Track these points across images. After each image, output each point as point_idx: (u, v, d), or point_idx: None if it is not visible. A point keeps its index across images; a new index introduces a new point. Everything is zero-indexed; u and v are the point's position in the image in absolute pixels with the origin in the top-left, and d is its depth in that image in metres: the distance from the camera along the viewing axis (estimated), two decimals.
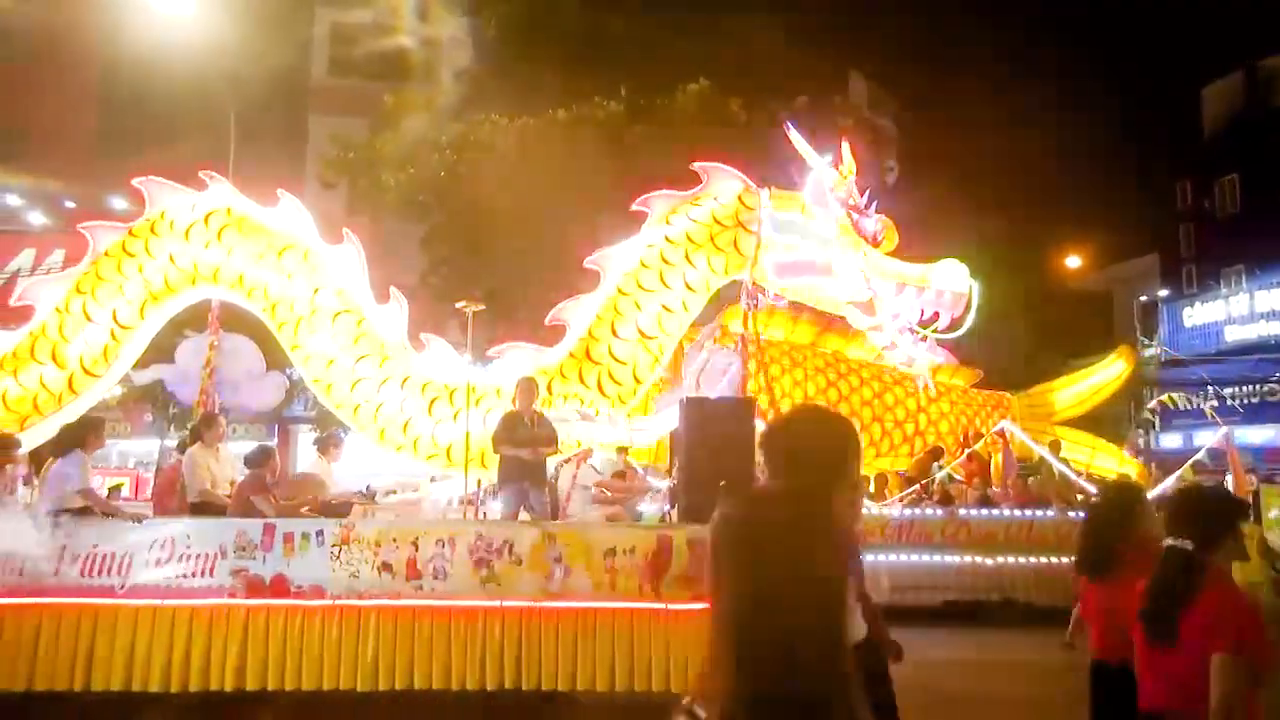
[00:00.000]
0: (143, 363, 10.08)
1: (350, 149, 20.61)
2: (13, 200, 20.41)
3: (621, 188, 12.72)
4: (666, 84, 19.69)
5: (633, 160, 17.42)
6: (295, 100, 25.31)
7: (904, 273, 10.26)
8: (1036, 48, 40.61)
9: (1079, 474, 11.81)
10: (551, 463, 8.68)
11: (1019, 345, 29.57)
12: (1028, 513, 10.78)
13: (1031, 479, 11.75)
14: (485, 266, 19.28)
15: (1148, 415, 14.54)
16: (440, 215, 20.15)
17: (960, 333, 10.63)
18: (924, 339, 10.53)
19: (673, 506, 7.97)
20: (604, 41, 19.66)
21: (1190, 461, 12.38)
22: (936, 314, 10.29)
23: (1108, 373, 14.31)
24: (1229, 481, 11.99)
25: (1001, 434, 12.11)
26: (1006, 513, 10.81)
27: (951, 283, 10.23)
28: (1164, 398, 14.15)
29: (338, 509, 7.67)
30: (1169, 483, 12.16)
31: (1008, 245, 27.13)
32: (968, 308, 10.31)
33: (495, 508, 8.77)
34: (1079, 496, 11.01)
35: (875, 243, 10.28)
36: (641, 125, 19.19)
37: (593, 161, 17.38)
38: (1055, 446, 12.56)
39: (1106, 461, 13.54)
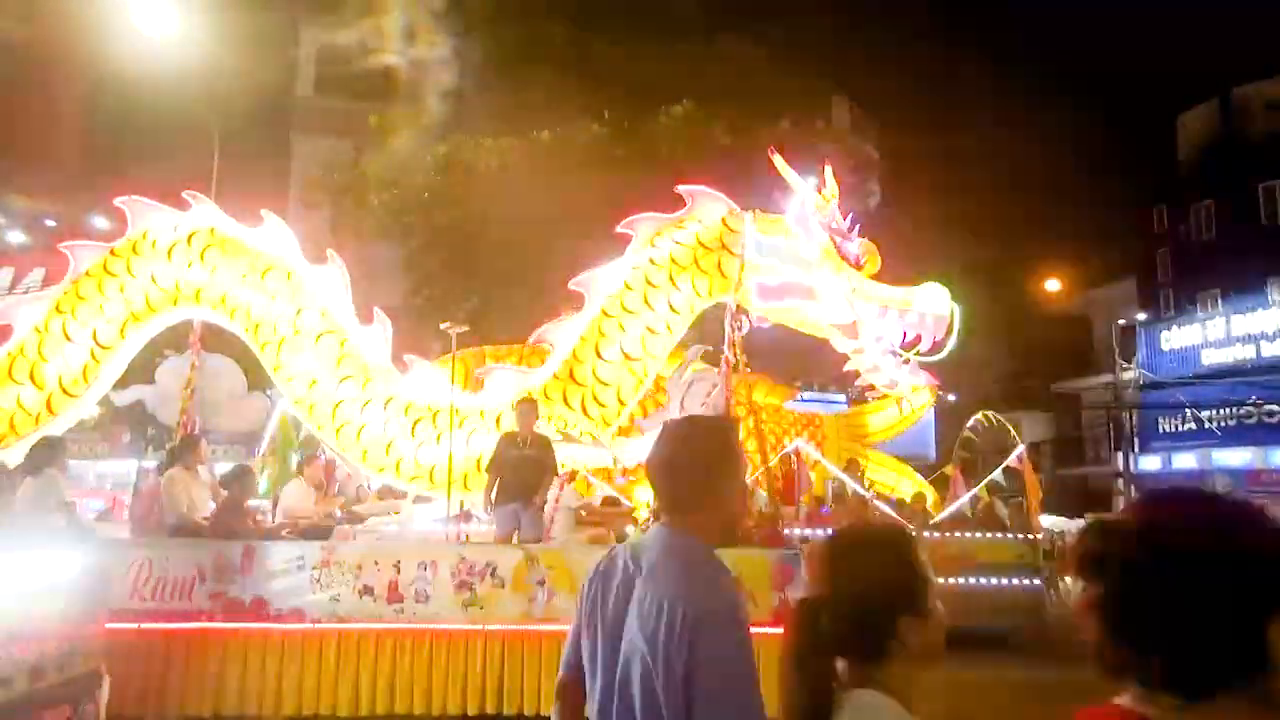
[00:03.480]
0: (122, 383, 9.99)
1: (335, 169, 20.62)
2: None
3: (606, 209, 12.77)
4: (651, 106, 19.85)
5: (617, 182, 17.50)
6: (279, 120, 25.32)
7: (887, 296, 10.33)
8: (1016, 76, 41.22)
9: (880, 496, 11.67)
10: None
11: (1000, 368, 29.84)
12: (811, 532, 10.37)
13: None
14: (469, 288, 19.28)
15: (969, 435, 14.40)
16: (424, 236, 20.16)
17: (942, 355, 10.71)
18: (906, 361, 10.59)
19: None
20: (589, 64, 19.81)
21: (984, 482, 12.38)
22: (919, 337, 10.36)
23: (914, 401, 14.21)
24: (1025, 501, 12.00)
25: (796, 453, 11.94)
26: (800, 531, 10.39)
27: (933, 306, 10.31)
28: (981, 415, 14.04)
29: (319, 532, 7.61)
30: (963, 501, 12.14)
31: (988, 269, 27.45)
32: (949, 331, 10.38)
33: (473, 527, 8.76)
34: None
35: (858, 266, 10.35)
36: (626, 147, 19.30)
37: (577, 183, 17.45)
38: (854, 465, 12.34)
39: (908, 486, 13.45)
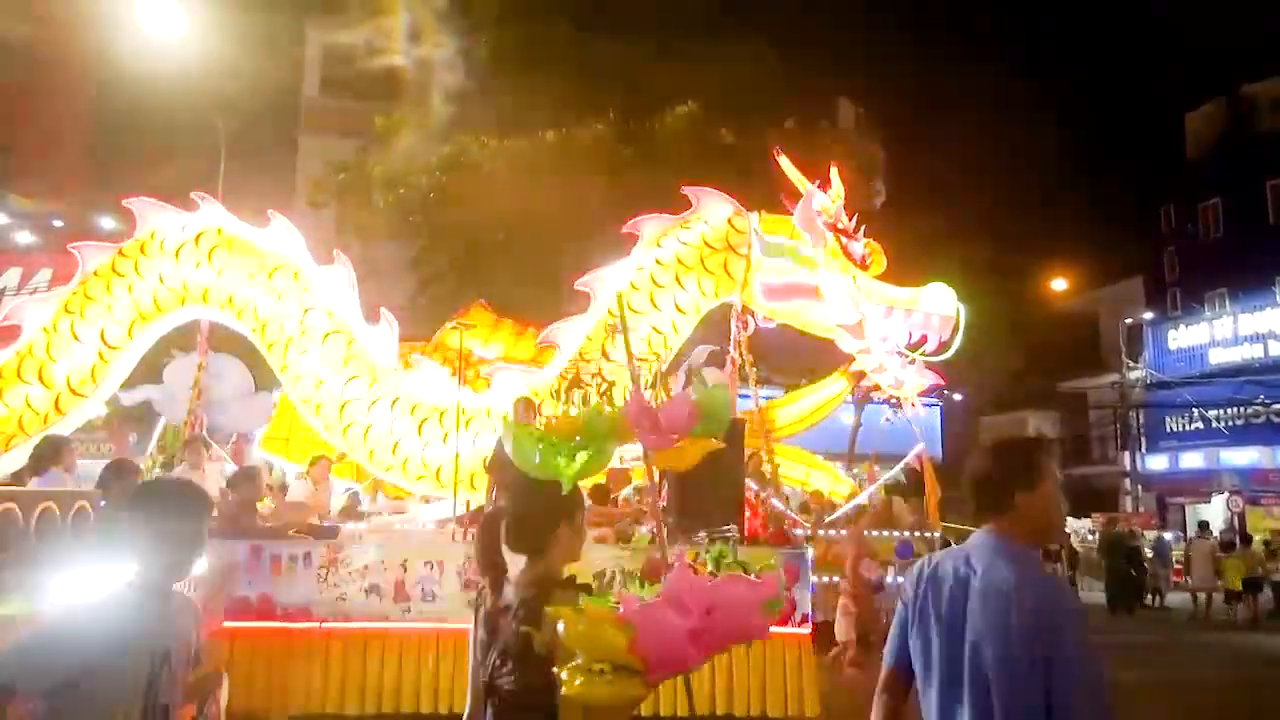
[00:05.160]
0: (130, 383, 10.03)
1: (341, 169, 20.68)
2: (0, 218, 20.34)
3: (612, 210, 12.78)
4: (656, 107, 19.86)
5: (623, 182, 17.52)
6: (286, 121, 25.39)
7: (892, 296, 10.31)
8: (1022, 74, 41.12)
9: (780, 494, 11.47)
10: None
11: (1007, 367, 29.78)
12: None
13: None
14: (475, 288, 19.30)
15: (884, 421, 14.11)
16: (430, 236, 20.21)
17: (948, 355, 10.68)
18: (912, 361, 10.56)
19: None
20: (594, 65, 19.83)
21: (883, 479, 12.27)
22: (924, 337, 10.32)
23: (829, 390, 13.57)
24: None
25: None
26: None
27: (939, 306, 10.28)
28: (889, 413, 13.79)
29: (326, 531, 7.63)
30: (859, 500, 12.00)
31: (995, 269, 27.40)
32: (955, 330, 10.35)
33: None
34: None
35: (863, 266, 10.33)
36: (631, 148, 19.32)
37: (582, 183, 17.47)
38: (755, 460, 11.53)
39: (821, 480, 13.22)
